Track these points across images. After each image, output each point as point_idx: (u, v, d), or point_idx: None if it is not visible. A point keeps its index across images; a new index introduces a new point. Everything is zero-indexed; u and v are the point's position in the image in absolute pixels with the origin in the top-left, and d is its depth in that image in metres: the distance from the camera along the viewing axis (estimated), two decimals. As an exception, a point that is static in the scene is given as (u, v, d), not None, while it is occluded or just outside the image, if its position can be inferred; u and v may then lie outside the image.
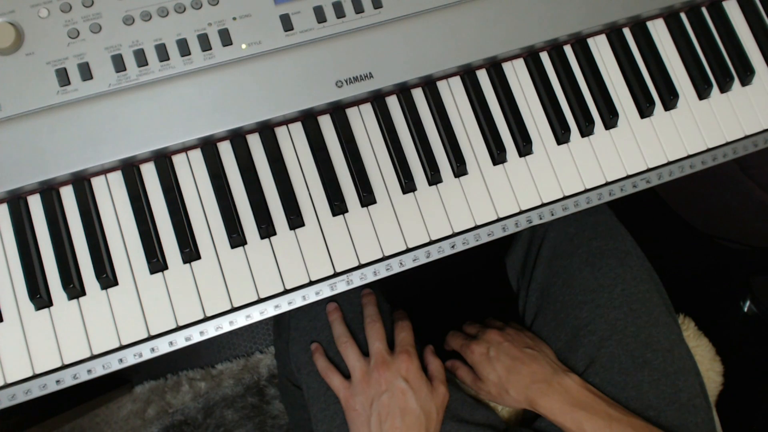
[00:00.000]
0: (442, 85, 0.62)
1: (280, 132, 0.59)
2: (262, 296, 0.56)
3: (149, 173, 0.57)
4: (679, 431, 0.63)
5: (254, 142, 0.59)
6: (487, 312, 0.81)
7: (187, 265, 0.56)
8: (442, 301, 1.21)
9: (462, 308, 1.19)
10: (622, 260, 0.70)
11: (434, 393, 0.64)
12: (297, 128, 0.59)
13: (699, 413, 0.64)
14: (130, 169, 0.56)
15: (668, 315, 0.69)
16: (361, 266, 0.57)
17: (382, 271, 0.58)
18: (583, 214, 0.72)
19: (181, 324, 0.55)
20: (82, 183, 0.56)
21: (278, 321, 0.79)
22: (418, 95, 0.61)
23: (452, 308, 1.15)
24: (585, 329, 0.68)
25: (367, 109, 0.61)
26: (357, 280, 0.57)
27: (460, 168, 0.59)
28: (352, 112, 0.60)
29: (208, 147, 0.58)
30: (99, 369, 0.54)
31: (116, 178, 0.57)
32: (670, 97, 0.63)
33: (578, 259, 0.71)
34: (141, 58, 0.56)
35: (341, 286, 0.57)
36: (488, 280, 1.12)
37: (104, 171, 0.57)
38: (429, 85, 0.61)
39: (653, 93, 0.64)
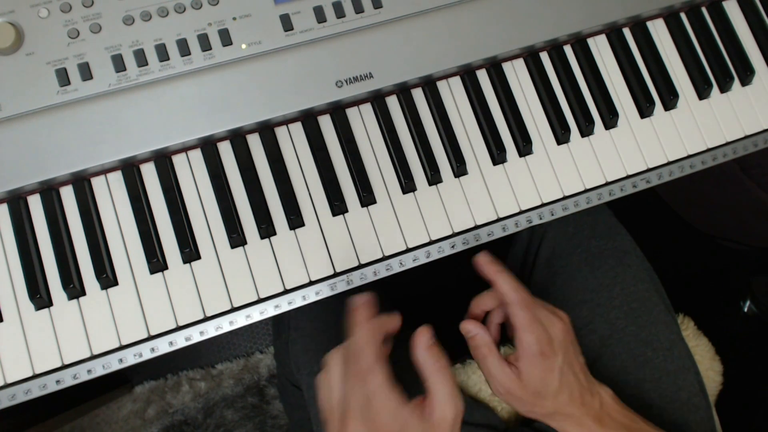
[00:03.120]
0: (442, 85, 0.62)
1: (280, 132, 0.59)
2: (262, 296, 0.56)
3: (149, 173, 0.57)
4: (679, 430, 0.63)
5: (254, 142, 0.59)
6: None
7: (187, 265, 0.56)
8: (441, 302, 1.21)
9: (462, 308, 1.19)
10: (621, 260, 0.70)
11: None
12: (297, 128, 0.59)
13: (699, 411, 0.64)
14: (130, 169, 0.56)
15: (667, 314, 0.69)
16: (361, 266, 0.57)
17: (382, 271, 0.58)
18: (582, 213, 0.71)
19: (181, 324, 0.55)
20: (82, 183, 0.56)
21: (278, 321, 0.79)
22: (418, 95, 0.61)
23: (452, 308, 1.15)
24: (585, 329, 0.68)
25: (367, 109, 0.61)
26: (357, 280, 0.57)
27: (460, 168, 0.59)
28: (352, 112, 0.60)
29: (208, 147, 0.58)
30: (99, 369, 0.54)
31: (116, 178, 0.57)
32: (670, 97, 0.63)
33: (577, 258, 0.71)
34: (141, 58, 0.56)
35: (341, 286, 0.57)
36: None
37: (104, 171, 0.57)
38: (429, 85, 0.61)
39: (653, 93, 0.64)
